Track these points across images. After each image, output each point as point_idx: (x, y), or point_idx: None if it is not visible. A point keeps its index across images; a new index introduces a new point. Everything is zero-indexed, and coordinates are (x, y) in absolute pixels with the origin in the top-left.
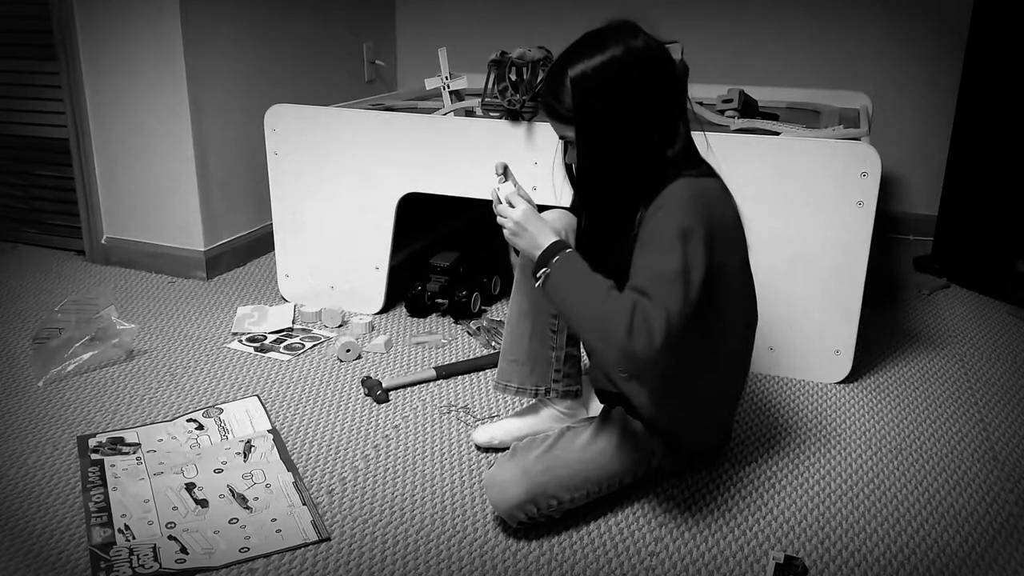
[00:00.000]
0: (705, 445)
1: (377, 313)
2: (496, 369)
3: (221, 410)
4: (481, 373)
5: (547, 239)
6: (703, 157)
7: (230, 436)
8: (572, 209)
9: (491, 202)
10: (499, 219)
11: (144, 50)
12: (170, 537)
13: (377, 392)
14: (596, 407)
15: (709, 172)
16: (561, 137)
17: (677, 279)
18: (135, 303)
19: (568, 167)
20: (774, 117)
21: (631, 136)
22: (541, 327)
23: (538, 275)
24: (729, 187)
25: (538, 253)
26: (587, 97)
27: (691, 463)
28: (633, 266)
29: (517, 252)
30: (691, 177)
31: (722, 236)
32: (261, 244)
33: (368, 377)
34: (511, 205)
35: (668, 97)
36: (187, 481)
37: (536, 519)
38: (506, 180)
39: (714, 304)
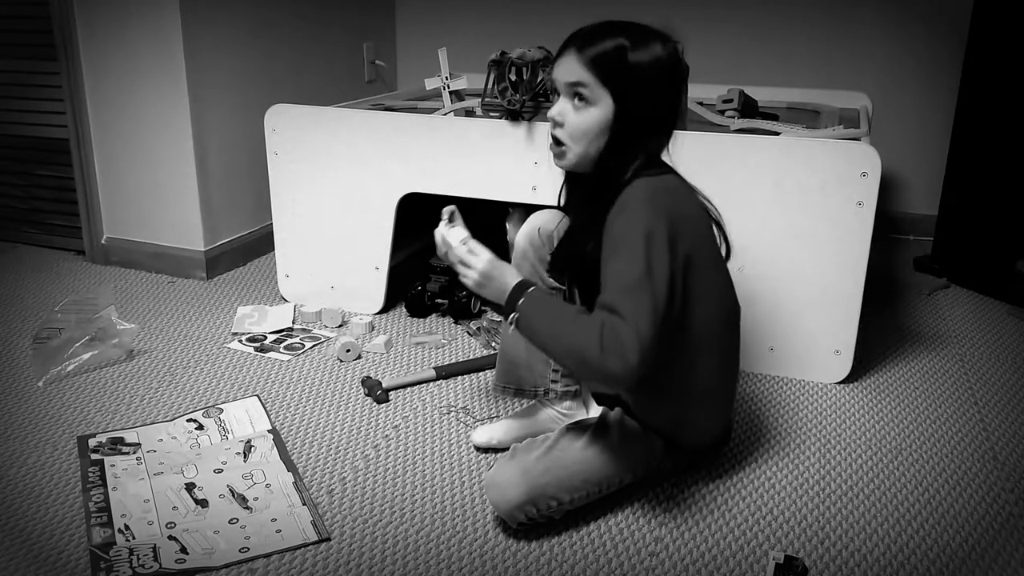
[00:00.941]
0: (705, 443)
1: (377, 313)
2: (495, 370)
3: (221, 410)
4: (481, 373)
5: (511, 281)
6: (664, 159)
7: (230, 436)
8: (562, 208)
9: (492, 203)
10: (459, 267)
11: (144, 50)
12: (170, 537)
13: (377, 392)
14: (595, 408)
15: (668, 170)
16: (566, 82)
17: (643, 288)
18: (135, 303)
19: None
20: (774, 117)
21: (643, 131)
22: None
23: (509, 318)
24: (731, 187)
25: (504, 292)
26: (638, 76)
27: (692, 462)
28: (602, 275)
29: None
30: (648, 176)
31: (687, 228)
32: (261, 244)
33: (368, 377)
34: (471, 252)
35: (677, 105)
36: (187, 481)
37: (536, 520)
38: (454, 225)
39: (692, 295)
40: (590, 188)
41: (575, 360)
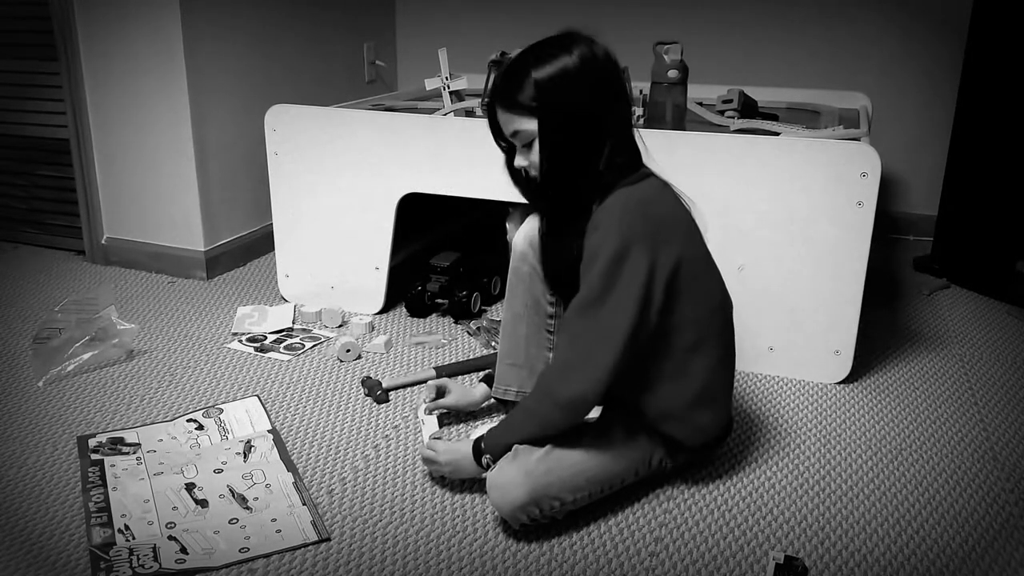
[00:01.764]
0: (706, 441)
1: (377, 313)
2: (495, 372)
3: (221, 410)
4: (481, 373)
5: (468, 450)
6: (644, 162)
7: (230, 436)
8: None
9: (492, 203)
10: (427, 464)
11: (144, 50)
12: (170, 537)
13: (377, 392)
14: (595, 410)
15: (646, 175)
16: (510, 136)
17: (598, 309)
18: (135, 303)
19: (513, 170)
20: (774, 117)
21: (589, 137)
22: (536, 329)
23: (486, 467)
24: (731, 187)
25: (473, 463)
26: (554, 92)
27: (693, 460)
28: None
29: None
30: (627, 187)
31: (670, 233)
32: (261, 244)
33: (368, 377)
34: (431, 449)
35: (622, 103)
36: (187, 481)
37: (539, 521)
38: (430, 414)
39: (683, 296)
40: (571, 199)
41: (548, 416)
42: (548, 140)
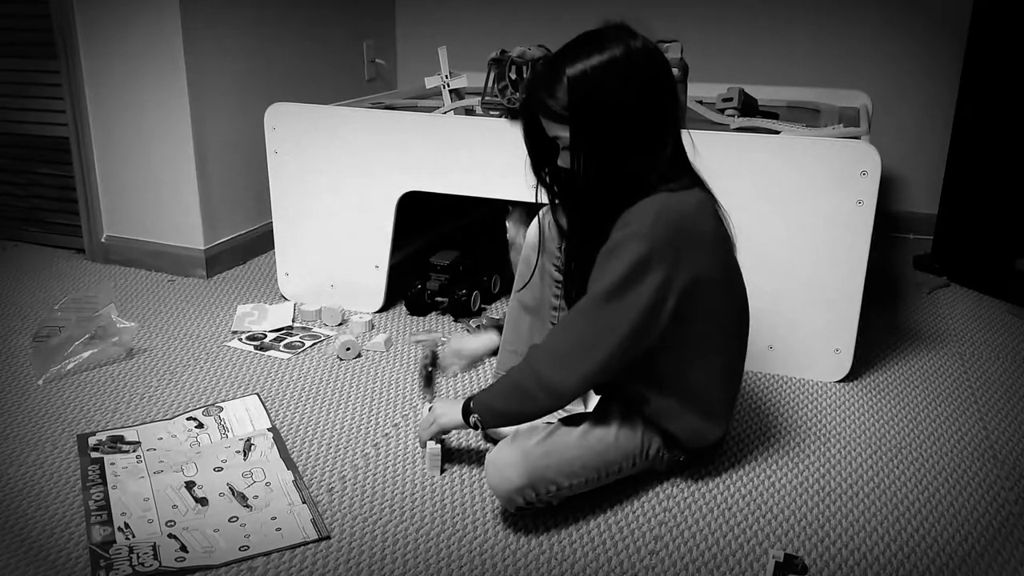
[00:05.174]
0: (699, 444)
1: (377, 312)
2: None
3: (221, 408)
4: (482, 368)
5: (459, 405)
6: (691, 162)
7: (230, 434)
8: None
9: (492, 201)
10: (422, 427)
11: (144, 50)
12: (170, 535)
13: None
14: (594, 403)
15: (691, 183)
16: (553, 138)
17: (601, 309)
18: (135, 301)
19: (540, 173)
20: (774, 116)
21: (627, 139)
22: (542, 321)
23: (476, 426)
24: (731, 186)
25: (460, 417)
26: (586, 96)
27: (690, 459)
28: (591, 278)
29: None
30: (668, 192)
31: (694, 251)
32: (261, 242)
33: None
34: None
35: (665, 100)
36: (187, 479)
37: (535, 505)
38: (437, 444)
39: (695, 313)
40: (605, 202)
41: (531, 394)
42: (581, 146)
